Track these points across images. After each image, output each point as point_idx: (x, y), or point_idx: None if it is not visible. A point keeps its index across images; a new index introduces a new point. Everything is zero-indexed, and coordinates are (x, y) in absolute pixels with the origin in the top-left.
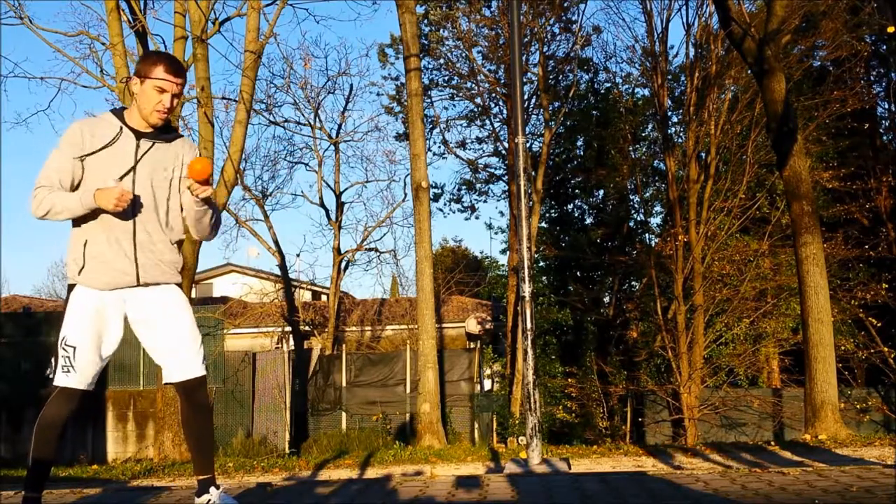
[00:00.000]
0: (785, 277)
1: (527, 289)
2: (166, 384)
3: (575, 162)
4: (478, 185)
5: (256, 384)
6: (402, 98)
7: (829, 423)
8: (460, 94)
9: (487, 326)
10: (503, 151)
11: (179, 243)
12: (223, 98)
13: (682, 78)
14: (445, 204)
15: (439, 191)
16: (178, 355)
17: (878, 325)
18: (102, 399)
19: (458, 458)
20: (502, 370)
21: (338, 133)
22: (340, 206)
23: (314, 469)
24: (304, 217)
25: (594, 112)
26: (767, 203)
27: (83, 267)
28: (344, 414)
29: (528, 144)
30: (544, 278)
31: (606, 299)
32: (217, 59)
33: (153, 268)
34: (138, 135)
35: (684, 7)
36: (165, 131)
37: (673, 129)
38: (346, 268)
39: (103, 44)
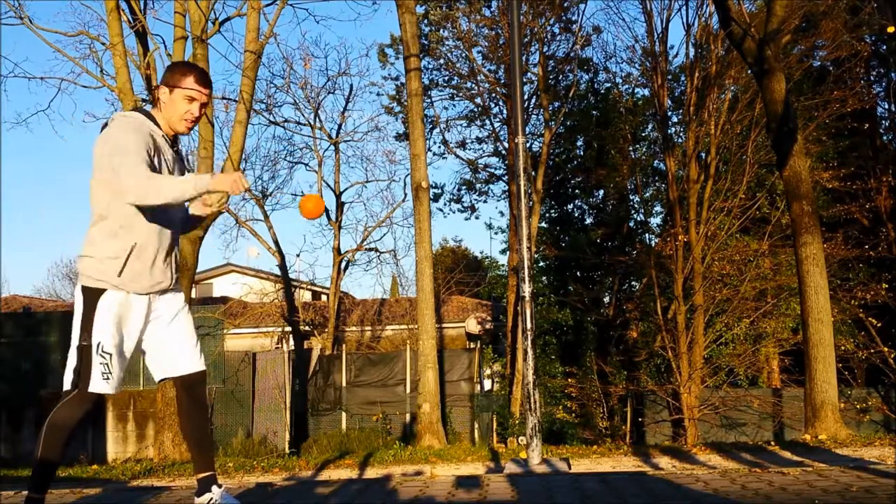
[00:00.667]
0: (785, 277)
1: (527, 289)
2: (162, 380)
3: (575, 162)
4: (478, 185)
5: (256, 384)
6: (402, 98)
7: (829, 423)
8: (460, 94)
9: (487, 326)
10: (503, 151)
11: None
12: (223, 98)
13: (682, 78)
14: (445, 204)
15: (439, 191)
16: (183, 350)
17: (878, 325)
18: (102, 399)
19: (458, 458)
20: (502, 370)
21: (338, 133)
22: (340, 206)
23: (314, 469)
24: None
25: (594, 112)
26: (767, 203)
27: (123, 269)
28: (344, 414)
29: (528, 144)
30: (544, 278)
31: (606, 299)
32: (217, 59)
33: (177, 272)
34: (173, 141)
35: (684, 7)
36: (175, 141)
37: (673, 129)
38: (346, 268)
39: (103, 44)
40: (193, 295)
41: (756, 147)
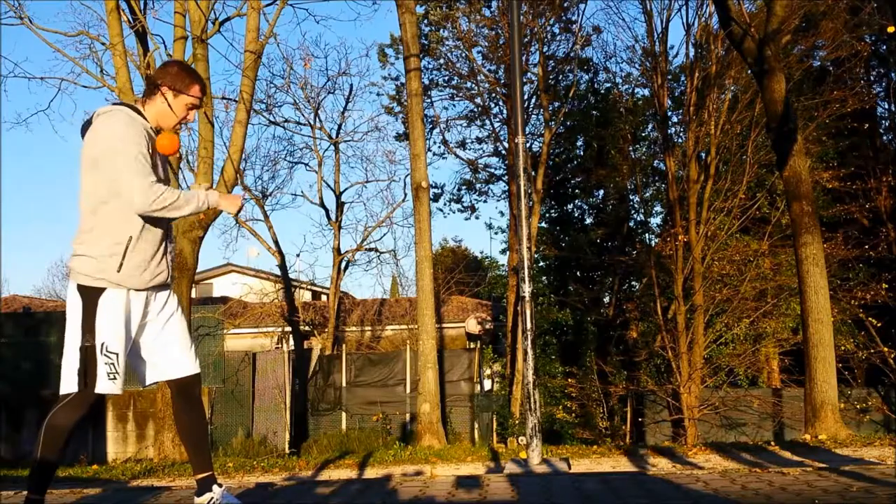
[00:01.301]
0: (785, 277)
1: (527, 289)
2: (153, 383)
3: (575, 162)
4: (478, 185)
5: (256, 384)
6: (402, 98)
7: (829, 423)
8: (460, 94)
9: (487, 326)
10: (503, 151)
11: None
12: (223, 98)
13: (682, 78)
14: (445, 204)
15: (439, 191)
16: (177, 353)
17: (878, 325)
18: (102, 399)
19: (458, 459)
20: (502, 370)
21: (338, 133)
22: (340, 206)
23: (314, 469)
24: (304, 217)
25: (594, 112)
26: (767, 203)
27: (122, 264)
28: (344, 414)
29: (528, 144)
30: (544, 278)
31: (606, 299)
32: (217, 59)
33: (173, 268)
34: (153, 134)
35: (684, 7)
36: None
37: (673, 129)
38: (346, 268)
39: (103, 44)
40: (193, 295)
41: (756, 147)
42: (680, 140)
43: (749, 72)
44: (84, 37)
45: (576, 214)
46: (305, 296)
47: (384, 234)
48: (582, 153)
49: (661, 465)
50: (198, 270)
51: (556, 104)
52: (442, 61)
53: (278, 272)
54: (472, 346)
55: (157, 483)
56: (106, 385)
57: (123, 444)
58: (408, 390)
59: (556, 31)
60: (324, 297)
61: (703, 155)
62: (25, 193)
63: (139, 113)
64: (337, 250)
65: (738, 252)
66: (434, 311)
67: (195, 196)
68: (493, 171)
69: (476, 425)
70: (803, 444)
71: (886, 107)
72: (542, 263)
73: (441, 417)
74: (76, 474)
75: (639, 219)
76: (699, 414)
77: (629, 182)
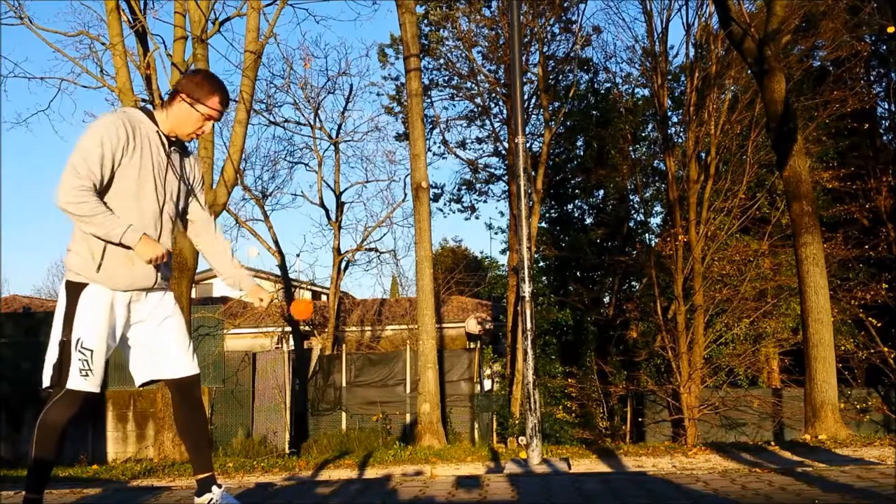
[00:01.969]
0: (785, 277)
1: (527, 289)
2: (150, 383)
3: (575, 162)
4: (478, 185)
5: (256, 384)
6: (402, 98)
7: (829, 423)
8: (460, 94)
9: (487, 326)
10: (503, 151)
11: None
12: None
13: (682, 78)
14: (445, 204)
15: (439, 191)
16: (176, 354)
17: (878, 325)
18: (102, 399)
19: (458, 459)
20: (502, 370)
21: (338, 133)
22: (340, 206)
23: (314, 469)
24: (304, 217)
25: (594, 112)
26: (767, 203)
27: (101, 265)
28: (344, 414)
29: (528, 144)
30: (544, 278)
31: (606, 299)
32: (217, 59)
33: (165, 271)
34: (170, 142)
35: (684, 7)
36: (183, 144)
37: (673, 129)
38: (346, 268)
39: (103, 44)
40: (193, 295)
41: (756, 147)
42: (680, 140)
43: (749, 72)
44: (84, 37)
45: (576, 214)
46: (305, 296)
47: (384, 234)
48: (582, 153)
49: (661, 465)
50: (198, 270)
51: (556, 104)
52: (442, 61)
53: (278, 272)
54: (472, 346)
55: (157, 483)
56: (78, 381)
57: (123, 444)
58: (408, 390)
59: (556, 31)
60: (324, 297)
61: (703, 155)
62: (25, 193)
63: (150, 116)
64: (337, 250)
65: (738, 252)
66: (434, 311)
67: (116, 226)
68: (493, 171)
69: (476, 425)
70: (803, 444)
71: (886, 107)
72: (542, 263)
73: (441, 417)
74: (76, 474)
75: (639, 219)
76: (699, 414)
77: (629, 182)
